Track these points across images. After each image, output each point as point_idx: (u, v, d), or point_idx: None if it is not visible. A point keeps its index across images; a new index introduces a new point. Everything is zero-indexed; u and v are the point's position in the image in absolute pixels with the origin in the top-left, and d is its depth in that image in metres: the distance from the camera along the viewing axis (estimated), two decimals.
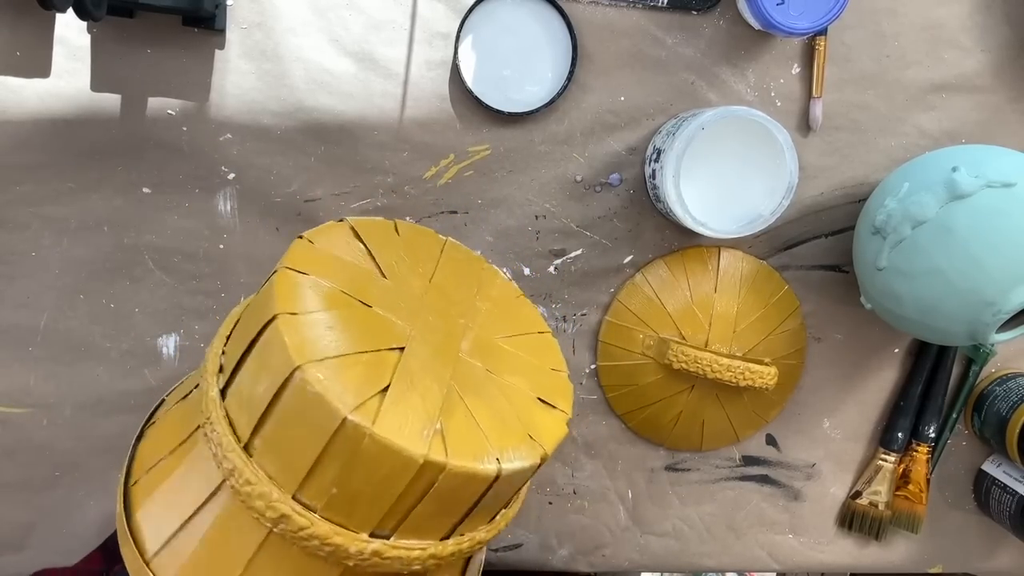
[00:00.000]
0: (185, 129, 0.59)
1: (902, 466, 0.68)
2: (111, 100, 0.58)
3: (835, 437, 0.69)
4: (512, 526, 0.67)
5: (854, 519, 0.69)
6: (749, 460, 0.69)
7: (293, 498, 0.34)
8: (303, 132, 0.60)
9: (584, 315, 0.65)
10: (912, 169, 0.56)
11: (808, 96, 0.63)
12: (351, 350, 0.34)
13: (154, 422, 0.45)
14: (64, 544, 0.63)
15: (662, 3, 0.60)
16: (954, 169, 0.52)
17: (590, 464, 0.67)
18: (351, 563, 0.35)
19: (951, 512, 0.70)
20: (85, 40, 0.58)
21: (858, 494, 0.69)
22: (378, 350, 0.36)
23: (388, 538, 0.35)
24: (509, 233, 0.63)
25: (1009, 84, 0.64)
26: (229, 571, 0.36)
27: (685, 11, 0.61)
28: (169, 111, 0.59)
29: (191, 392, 0.42)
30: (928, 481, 0.68)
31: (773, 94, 0.63)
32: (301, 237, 0.40)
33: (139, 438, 0.44)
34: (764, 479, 0.69)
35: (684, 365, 0.60)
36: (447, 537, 0.37)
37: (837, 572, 0.75)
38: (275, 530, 0.35)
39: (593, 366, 0.66)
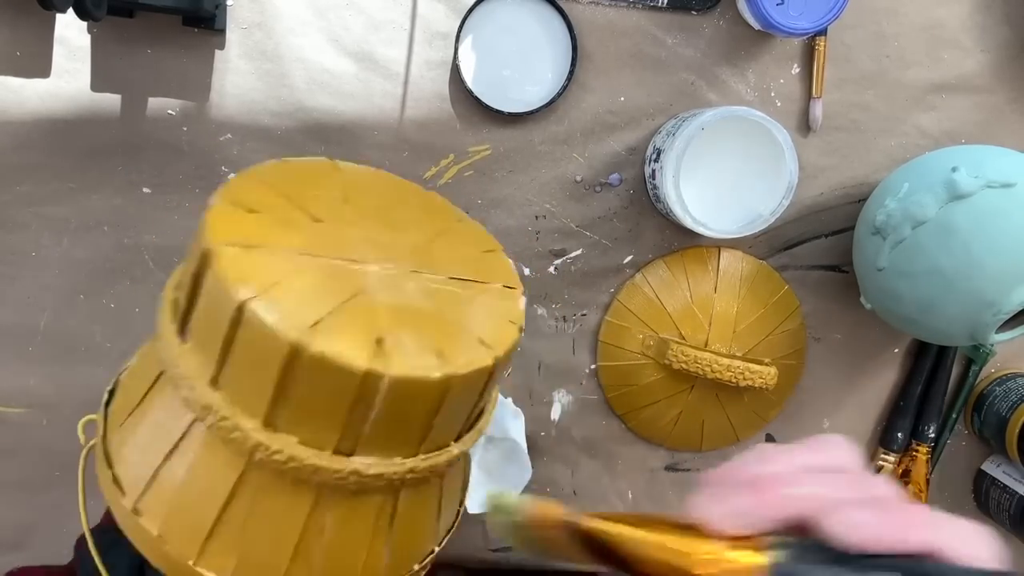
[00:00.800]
0: (185, 129, 0.59)
1: (902, 466, 0.68)
2: (111, 100, 0.58)
3: None
4: None
5: None
6: None
7: (264, 426, 0.35)
8: (303, 132, 0.60)
9: (584, 315, 0.65)
10: (912, 169, 0.56)
11: (808, 96, 0.63)
12: (329, 307, 0.35)
13: (119, 382, 0.46)
14: (64, 544, 0.63)
15: (662, 3, 0.60)
16: (954, 169, 0.52)
17: (590, 464, 0.67)
18: (321, 484, 0.36)
19: (951, 512, 0.70)
20: (85, 40, 0.58)
21: None
22: (348, 299, 0.36)
23: (349, 456, 0.36)
24: (509, 233, 0.63)
25: (1009, 84, 0.64)
26: (211, 506, 0.37)
27: (685, 11, 0.61)
28: (169, 111, 0.59)
29: (153, 386, 0.42)
30: (928, 481, 0.68)
31: (773, 94, 0.63)
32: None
33: (108, 401, 0.45)
34: None
35: (684, 365, 0.60)
36: (415, 452, 0.38)
37: None
38: (252, 460, 0.36)
39: (593, 366, 0.66)
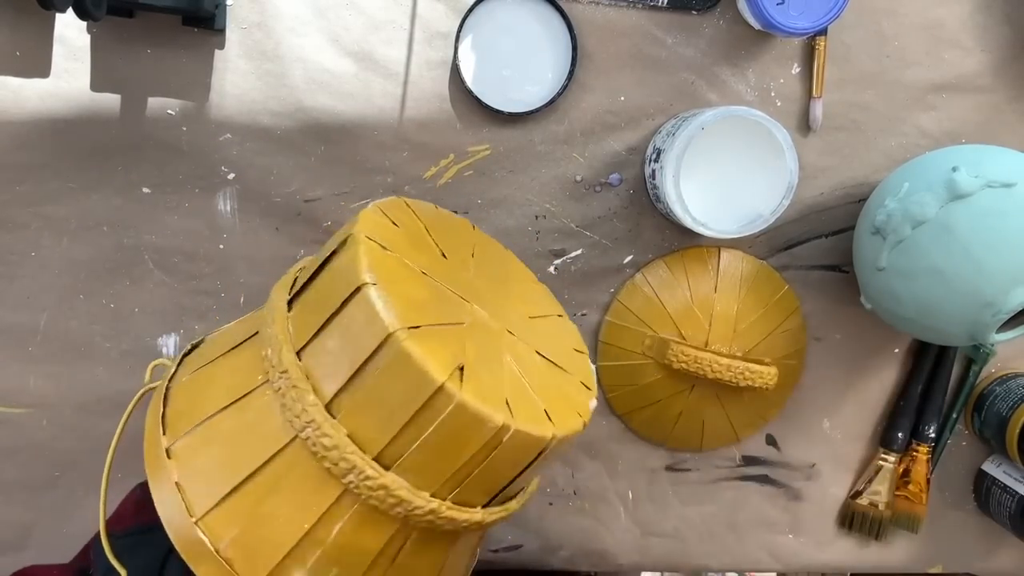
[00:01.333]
0: (185, 129, 0.59)
1: (902, 466, 0.68)
2: (111, 100, 0.58)
3: (835, 437, 0.69)
4: (512, 527, 0.67)
5: (854, 519, 0.69)
6: (749, 460, 0.69)
7: (373, 458, 0.37)
8: (303, 132, 0.60)
9: (584, 315, 0.65)
10: (912, 169, 0.56)
11: (808, 96, 0.63)
12: (431, 321, 0.37)
13: (203, 340, 0.46)
14: (64, 544, 0.63)
15: (662, 3, 0.60)
16: (954, 169, 0.52)
17: (590, 464, 0.67)
18: (409, 518, 0.37)
19: (951, 512, 0.70)
20: (85, 40, 0.58)
21: (858, 494, 0.69)
22: (449, 324, 0.38)
23: (445, 499, 0.38)
24: (509, 233, 0.63)
25: (1009, 84, 0.64)
26: (297, 526, 0.37)
27: (685, 11, 0.61)
28: (169, 111, 0.59)
29: (240, 344, 0.43)
30: (928, 481, 0.68)
31: (773, 94, 0.63)
32: (367, 207, 0.43)
33: (188, 353, 0.45)
34: (764, 479, 0.69)
35: (684, 365, 0.60)
36: (487, 505, 0.39)
37: (837, 572, 0.75)
38: (349, 487, 0.36)
39: (593, 366, 0.66)
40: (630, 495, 0.68)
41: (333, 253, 0.39)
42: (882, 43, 0.63)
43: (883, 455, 0.68)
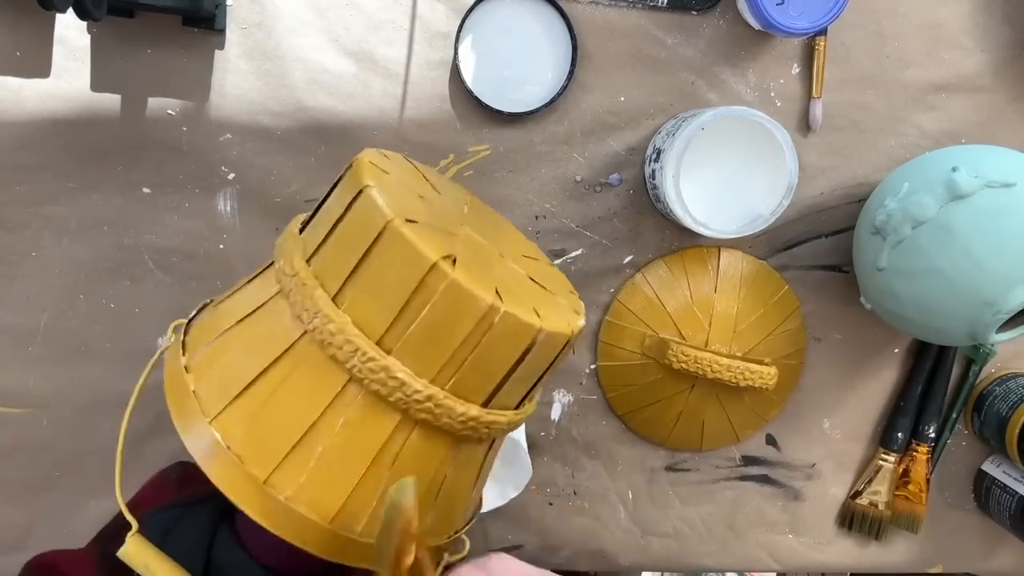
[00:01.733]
0: (185, 129, 0.59)
1: (902, 466, 0.68)
2: (111, 100, 0.58)
3: (835, 437, 0.69)
4: (513, 527, 0.67)
5: (854, 519, 0.69)
6: (749, 460, 0.69)
7: (379, 342, 0.38)
8: (303, 132, 0.60)
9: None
10: (912, 169, 0.56)
11: (808, 96, 0.63)
12: (428, 219, 0.40)
13: (209, 309, 0.47)
14: (64, 544, 0.62)
15: (662, 3, 0.60)
16: (954, 169, 0.52)
17: (590, 465, 0.67)
18: (409, 408, 0.39)
19: (951, 512, 0.70)
20: (85, 40, 0.58)
21: (858, 494, 0.69)
22: (444, 230, 0.41)
23: (443, 388, 0.39)
24: None
25: (1009, 84, 0.64)
26: (303, 419, 0.39)
27: (685, 11, 0.61)
28: (169, 111, 0.59)
29: (254, 277, 0.45)
30: (928, 481, 0.68)
31: (773, 94, 0.63)
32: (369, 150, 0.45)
33: (187, 329, 0.46)
34: (764, 479, 0.69)
35: (684, 365, 0.60)
36: (486, 405, 0.41)
37: (837, 572, 0.75)
38: (353, 372, 0.38)
39: (593, 366, 0.66)
40: (630, 495, 0.68)
41: (337, 182, 0.42)
42: (882, 43, 0.63)
43: (883, 455, 0.68)
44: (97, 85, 0.58)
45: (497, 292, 0.38)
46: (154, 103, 0.59)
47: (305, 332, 0.39)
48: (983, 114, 0.64)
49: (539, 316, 0.39)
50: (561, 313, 0.42)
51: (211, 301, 0.48)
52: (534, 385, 0.44)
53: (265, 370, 0.39)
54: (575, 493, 0.67)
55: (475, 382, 0.40)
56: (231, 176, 0.60)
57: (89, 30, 0.57)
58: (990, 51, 0.63)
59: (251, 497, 0.38)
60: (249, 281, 0.45)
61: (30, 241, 0.60)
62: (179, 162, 0.60)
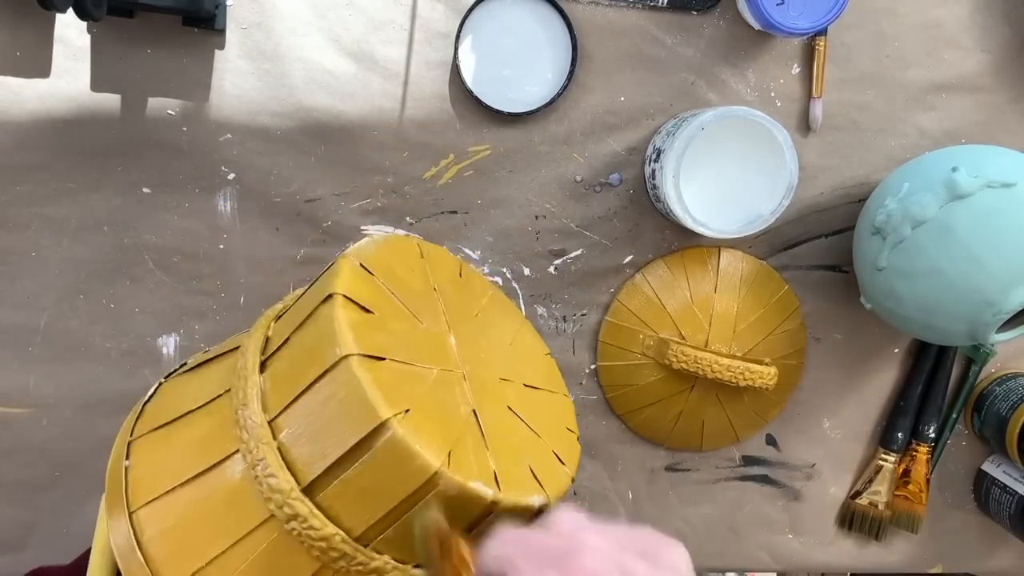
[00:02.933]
0: (185, 129, 0.59)
1: (902, 466, 0.68)
2: (111, 100, 0.58)
3: (835, 437, 0.69)
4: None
5: (854, 519, 0.69)
6: (749, 460, 0.69)
7: (305, 490, 0.35)
8: (303, 132, 0.60)
9: (584, 315, 0.65)
10: (912, 169, 0.56)
11: (808, 96, 0.63)
12: (399, 351, 0.36)
13: (161, 388, 0.45)
14: (64, 544, 0.63)
15: (662, 3, 0.60)
16: (954, 169, 0.52)
17: (590, 465, 0.67)
18: (327, 561, 0.36)
19: (951, 512, 0.70)
20: (85, 40, 0.58)
21: (858, 494, 0.69)
22: (420, 366, 0.37)
23: (367, 546, 0.36)
24: (509, 233, 0.63)
25: (1009, 84, 0.64)
26: (213, 541, 0.37)
27: (685, 11, 0.61)
28: (169, 111, 0.59)
29: (216, 357, 0.42)
30: (928, 481, 0.68)
31: (773, 94, 0.63)
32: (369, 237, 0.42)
33: (153, 394, 0.44)
34: (764, 479, 0.69)
35: (684, 365, 0.60)
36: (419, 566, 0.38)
37: (837, 572, 0.75)
38: (286, 525, 0.35)
39: (593, 366, 0.66)
40: (630, 495, 0.68)
41: (313, 314, 0.38)
42: (882, 43, 0.63)
43: (883, 455, 0.68)
44: (97, 85, 0.58)
45: (450, 454, 0.35)
46: (154, 103, 0.59)
47: (237, 450, 0.36)
48: (983, 114, 0.64)
49: (498, 484, 0.36)
50: (535, 483, 0.38)
51: (171, 374, 0.46)
52: None
53: (195, 477, 0.37)
54: (575, 493, 0.67)
55: (403, 548, 0.37)
56: (231, 176, 0.60)
57: (89, 30, 0.57)
58: (990, 51, 0.63)
59: None
60: (207, 362, 0.42)
61: (30, 241, 0.60)
62: (179, 162, 0.60)
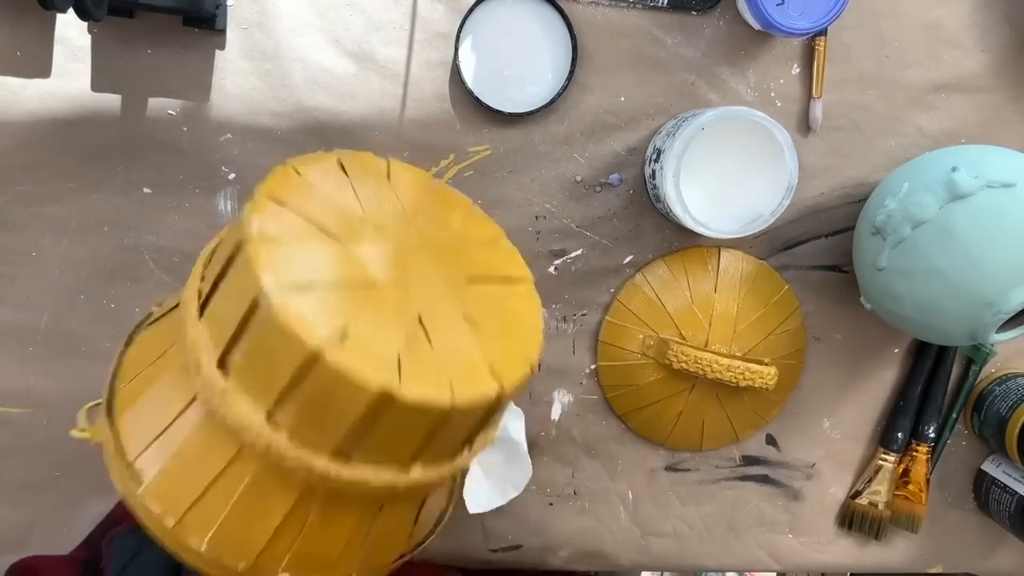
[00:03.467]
0: (185, 129, 0.59)
1: (902, 466, 0.68)
2: (111, 100, 0.58)
3: (835, 437, 0.69)
4: (513, 527, 0.67)
5: (854, 519, 0.69)
6: (749, 460, 0.69)
7: (267, 416, 0.36)
8: (303, 132, 0.60)
9: (584, 315, 0.65)
10: (912, 169, 0.56)
11: (808, 96, 0.63)
12: (321, 279, 0.36)
13: (140, 332, 0.47)
14: (64, 544, 0.63)
15: (662, 3, 0.60)
16: (954, 169, 0.52)
17: (590, 465, 0.67)
18: (310, 482, 0.37)
19: (951, 512, 0.71)
20: (85, 40, 0.58)
21: (858, 494, 0.69)
22: (347, 285, 0.37)
23: (347, 461, 0.37)
24: (509, 233, 0.62)
25: (1009, 84, 0.64)
26: (199, 480, 0.38)
27: (685, 11, 0.61)
28: (169, 111, 0.59)
29: (174, 308, 0.43)
30: (928, 481, 0.68)
31: (773, 94, 0.63)
32: (285, 164, 0.41)
33: (128, 343, 0.45)
34: (764, 479, 0.69)
35: (684, 365, 0.60)
36: (406, 468, 0.38)
37: (837, 572, 0.75)
38: (244, 446, 0.37)
39: (593, 366, 0.66)
40: (630, 495, 0.68)
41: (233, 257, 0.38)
42: (882, 43, 0.63)
43: (883, 455, 0.68)
44: (97, 85, 0.58)
45: (400, 362, 0.35)
46: (154, 103, 0.59)
47: (196, 396, 0.38)
48: (983, 114, 0.64)
49: (451, 388, 0.36)
50: (489, 375, 0.38)
51: (133, 336, 0.47)
52: (466, 440, 0.41)
53: (173, 421, 0.39)
54: (575, 493, 0.67)
55: (382, 456, 0.37)
56: (231, 176, 0.60)
57: (90, 30, 0.57)
58: (990, 51, 0.63)
59: (168, 541, 0.39)
60: (157, 359, 0.43)
61: (30, 241, 0.60)
62: (179, 162, 0.60)
